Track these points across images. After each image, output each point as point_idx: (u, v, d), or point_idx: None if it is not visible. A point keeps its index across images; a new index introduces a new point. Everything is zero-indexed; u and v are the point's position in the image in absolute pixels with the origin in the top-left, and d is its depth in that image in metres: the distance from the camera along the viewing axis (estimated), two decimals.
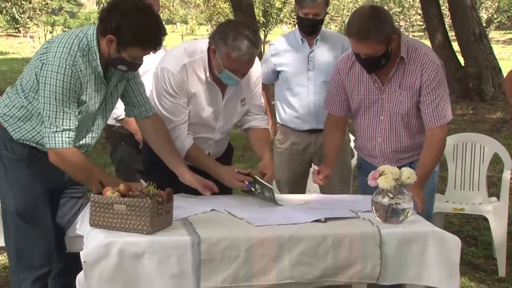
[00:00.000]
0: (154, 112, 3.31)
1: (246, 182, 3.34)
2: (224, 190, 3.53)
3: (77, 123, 2.97)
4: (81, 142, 3.12)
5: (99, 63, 2.96)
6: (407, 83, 3.38)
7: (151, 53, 2.99)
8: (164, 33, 2.94)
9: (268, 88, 4.68)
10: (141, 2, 2.91)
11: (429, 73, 3.34)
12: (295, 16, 4.46)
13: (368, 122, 3.54)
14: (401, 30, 3.57)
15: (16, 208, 3.10)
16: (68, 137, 2.93)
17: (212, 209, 3.09)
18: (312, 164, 4.55)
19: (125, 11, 2.84)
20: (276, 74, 4.48)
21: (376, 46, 3.21)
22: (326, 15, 4.57)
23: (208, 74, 3.37)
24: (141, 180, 3.04)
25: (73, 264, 3.04)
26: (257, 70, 3.54)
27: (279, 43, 4.48)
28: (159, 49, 2.97)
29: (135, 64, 3.00)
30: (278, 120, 4.61)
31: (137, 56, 2.95)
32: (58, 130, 2.90)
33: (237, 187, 3.39)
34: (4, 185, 3.12)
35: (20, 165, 3.07)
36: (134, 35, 2.84)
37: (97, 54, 2.94)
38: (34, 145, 3.06)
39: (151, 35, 2.88)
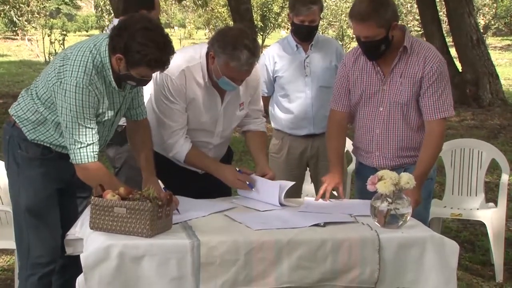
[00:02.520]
0: (145, 116, 3.36)
1: (247, 182, 3.37)
2: (222, 192, 3.54)
3: (98, 136, 3.04)
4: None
5: (112, 79, 3.02)
6: (409, 73, 3.40)
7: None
8: (172, 53, 2.97)
9: (268, 101, 4.64)
10: (151, 22, 2.95)
11: (432, 65, 3.37)
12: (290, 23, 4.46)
13: (367, 114, 3.54)
14: None
15: (27, 205, 3.16)
16: (93, 151, 3.00)
17: (212, 213, 3.10)
18: (308, 168, 4.56)
19: (134, 32, 2.88)
20: (274, 82, 4.48)
21: (375, 29, 3.26)
22: (324, 21, 4.59)
23: (206, 79, 3.38)
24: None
25: (73, 261, 3.06)
26: (256, 75, 3.55)
27: (274, 50, 4.48)
28: (167, 67, 3.01)
29: (144, 80, 3.05)
30: (273, 125, 4.60)
31: (145, 74, 3.00)
32: (82, 146, 2.98)
33: (239, 187, 3.41)
34: (17, 183, 3.21)
35: (33, 164, 3.15)
36: (141, 56, 2.89)
37: (110, 71, 3.00)
38: (48, 145, 3.14)
39: (158, 57, 2.91)
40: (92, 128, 3.00)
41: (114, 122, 3.24)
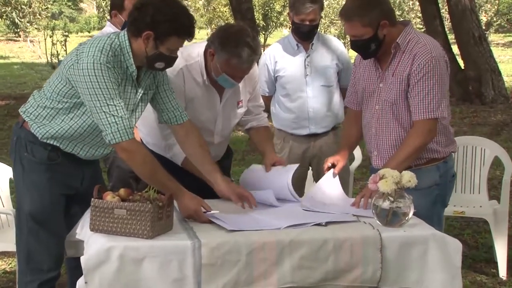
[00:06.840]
0: (185, 119, 3.26)
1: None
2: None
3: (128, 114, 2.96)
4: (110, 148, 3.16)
5: (132, 63, 2.99)
6: (399, 71, 3.32)
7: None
8: (195, 21, 3.04)
9: (269, 100, 4.63)
10: None
11: (419, 62, 3.23)
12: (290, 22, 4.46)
13: (368, 112, 3.49)
14: None
15: (30, 210, 3.13)
16: (130, 127, 2.92)
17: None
18: (310, 168, 4.54)
19: (157, 5, 2.92)
20: (275, 81, 4.47)
21: (360, 28, 3.22)
22: (326, 19, 4.59)
23: (205, 78, 3.37)
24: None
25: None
26: (254, 71, 3.55)
27: (275, 50, 4.47)
28: (193, 37, 3.03)
29: (172, 58, 3.03)
30: (275, 125, 4.59)
31: (175, 47, 3.00)
32: (117, 119, 2.88)
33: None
34: (21, 187, 3.17)
35: (39, 168, 3.11)
36: (171, 25, 2.91)
37: (130, 54, 2.98)
38: (57, 144, 3.08)
39: (186, 23, 2.95)
40: (120, 103, 2.90)
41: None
